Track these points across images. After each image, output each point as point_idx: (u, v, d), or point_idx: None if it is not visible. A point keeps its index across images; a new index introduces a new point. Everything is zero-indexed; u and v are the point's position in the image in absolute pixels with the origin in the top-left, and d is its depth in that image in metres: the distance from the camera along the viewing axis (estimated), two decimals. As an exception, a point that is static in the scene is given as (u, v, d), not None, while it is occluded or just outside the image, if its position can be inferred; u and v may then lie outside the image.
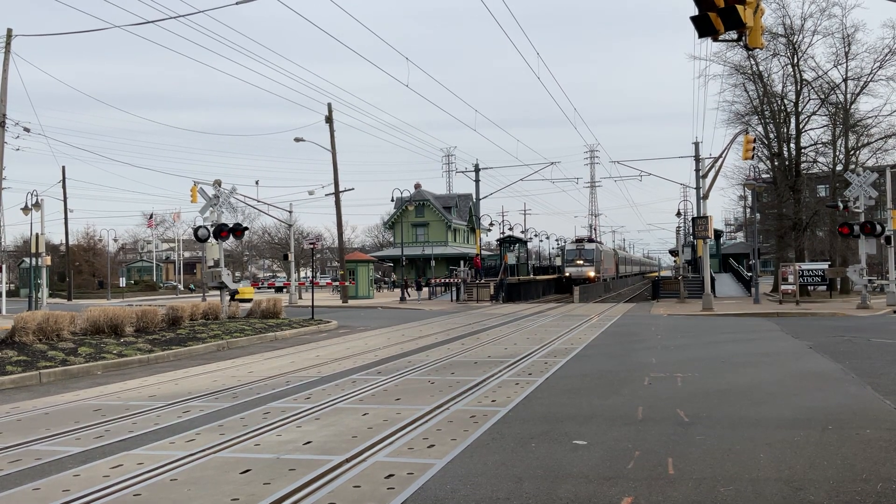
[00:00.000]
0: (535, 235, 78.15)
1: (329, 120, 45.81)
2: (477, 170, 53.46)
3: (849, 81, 42.04)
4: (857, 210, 31.63)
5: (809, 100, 42.84)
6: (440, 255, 73.47)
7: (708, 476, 6.08)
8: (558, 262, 71.40)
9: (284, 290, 59.80)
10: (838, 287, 43.35)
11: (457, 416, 8.60)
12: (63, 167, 68.49)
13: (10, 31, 32.15)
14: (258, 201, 46.14)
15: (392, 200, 61.96)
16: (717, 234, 62.98)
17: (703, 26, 9.35)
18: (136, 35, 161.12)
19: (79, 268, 71.50)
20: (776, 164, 44.22)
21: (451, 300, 46.10)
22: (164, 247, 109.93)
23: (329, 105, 45.88)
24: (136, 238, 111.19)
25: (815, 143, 44.25)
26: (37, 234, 36.74)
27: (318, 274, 73.07)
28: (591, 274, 57.97)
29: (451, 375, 12.05)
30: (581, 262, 59.01)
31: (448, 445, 7.17)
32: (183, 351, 16.52)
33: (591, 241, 64.11)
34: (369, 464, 6.55)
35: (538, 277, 62.29)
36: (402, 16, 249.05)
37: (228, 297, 25.84)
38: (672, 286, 47.05)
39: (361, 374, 12.54)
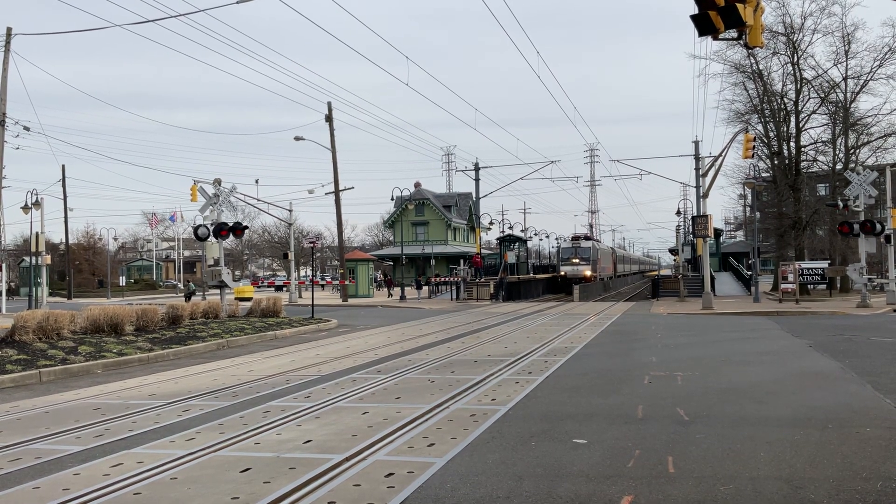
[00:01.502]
0: (535, 234, 77.92)
1: (329, 119, 45.79)
2: (477, 168, 53.46)
3: (849, 80, 42.08)
4: (856, 209, 31.64)
5: (809, 98, 42.86)
6: (440, 253, 73.39)
7: (708, 475, 6.08)
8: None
9: (284, 288, 59.87)
10: (838, 286, 43.35)
11: (457, 415, 8.60)
12: (63, 166, 68.59)
13: (9, 29, 32.14)
14: (258, 200, 46.18)
15: (392, 199, 61.86)
16: (717, 232, 62.99)
17: (704, 25, 9.33)
18: (137, 34, 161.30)
19: (79, 266, 71.51)
20: (776, 162, 44.19)
21: (451, 299, 46.08)
22: (163, 245, 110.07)
23: (329, 104, 45.91)
24: (136, 237, 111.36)
25: (815, 142, 44.26)
26: (37, 233, 36.77)
27: (318, 273, 73.04)
28: (588, 273, 57.37)
29: (451, 374, 12.05)
30: (577, 260, 58.36)
31: (448, 444, 7.17)
32: (183, 350, 16.52)
33: (587, 238, 63.50)
34: (369, 462, 6.55)
35: (538, 276, 62.15)
36: (403, 15, 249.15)
37: (185, 299, 25.79)
38: (672, 285, 47.04)
39: (361, 372, 12.55)
